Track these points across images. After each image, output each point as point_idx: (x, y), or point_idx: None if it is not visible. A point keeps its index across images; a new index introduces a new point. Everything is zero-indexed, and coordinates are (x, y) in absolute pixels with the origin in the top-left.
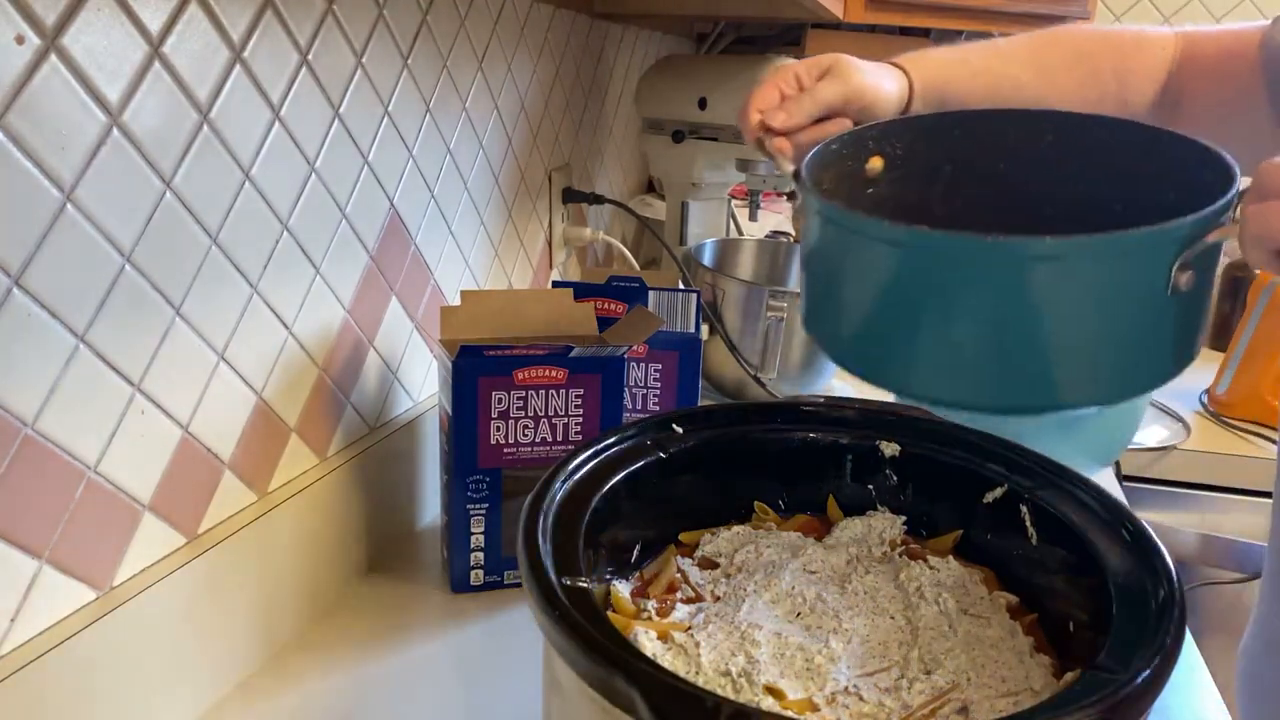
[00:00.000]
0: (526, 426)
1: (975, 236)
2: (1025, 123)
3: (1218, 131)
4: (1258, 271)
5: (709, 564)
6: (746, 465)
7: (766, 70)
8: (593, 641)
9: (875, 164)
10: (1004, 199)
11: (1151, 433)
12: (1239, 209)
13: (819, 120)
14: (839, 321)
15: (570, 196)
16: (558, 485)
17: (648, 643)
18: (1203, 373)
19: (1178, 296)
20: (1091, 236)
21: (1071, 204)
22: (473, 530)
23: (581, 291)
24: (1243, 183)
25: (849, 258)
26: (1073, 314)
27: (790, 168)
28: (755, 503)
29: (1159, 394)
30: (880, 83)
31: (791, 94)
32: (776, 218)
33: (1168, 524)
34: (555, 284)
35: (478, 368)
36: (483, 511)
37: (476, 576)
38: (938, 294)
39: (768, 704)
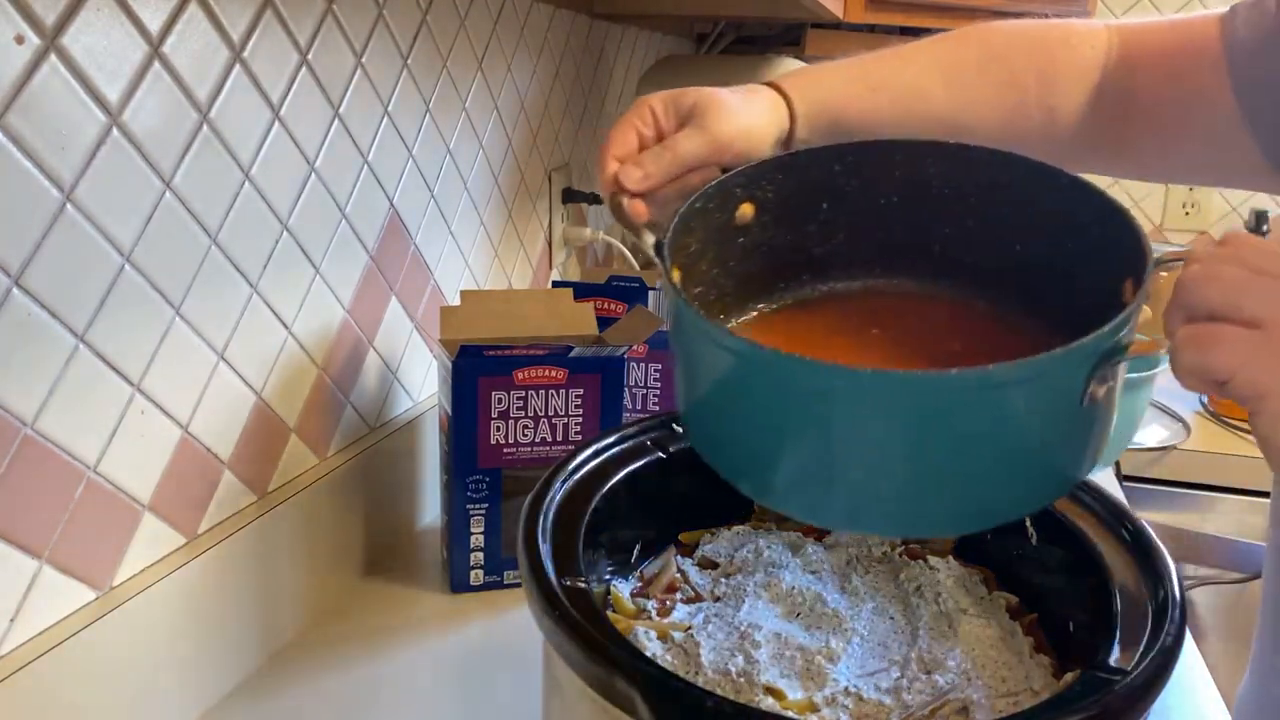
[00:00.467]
0: (526, 426)
1: (839, 368)
2: (910, 153)
3: (1176, 135)
4: None
5: (709, 564)
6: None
7: (764, 71)
8: (593, 642)
9: (745, 211)
10: (890, 233)
11: (1151, 433)
12: (1164, 323)
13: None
14: (700, 415)
15: (570, 196)
16: (558, 485)
17: (648, 643)
18: None
19: (1090, 406)
20: (988, 370)
21: (964, 242)
22: (472, 530)
23: (581, 291)
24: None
25: (701, 359)
26: (967, 444)
27: (650, 240)
28: (755, 503)
29: (1159, 394)
30: (752, 125)
31: (649, 135)
32: None
33: (1168, 524)
34: (555, 284)
35: (478, 368)
36: (482, 511)
37: (476, 576)
38: (789, 414)
39: (768, 704)
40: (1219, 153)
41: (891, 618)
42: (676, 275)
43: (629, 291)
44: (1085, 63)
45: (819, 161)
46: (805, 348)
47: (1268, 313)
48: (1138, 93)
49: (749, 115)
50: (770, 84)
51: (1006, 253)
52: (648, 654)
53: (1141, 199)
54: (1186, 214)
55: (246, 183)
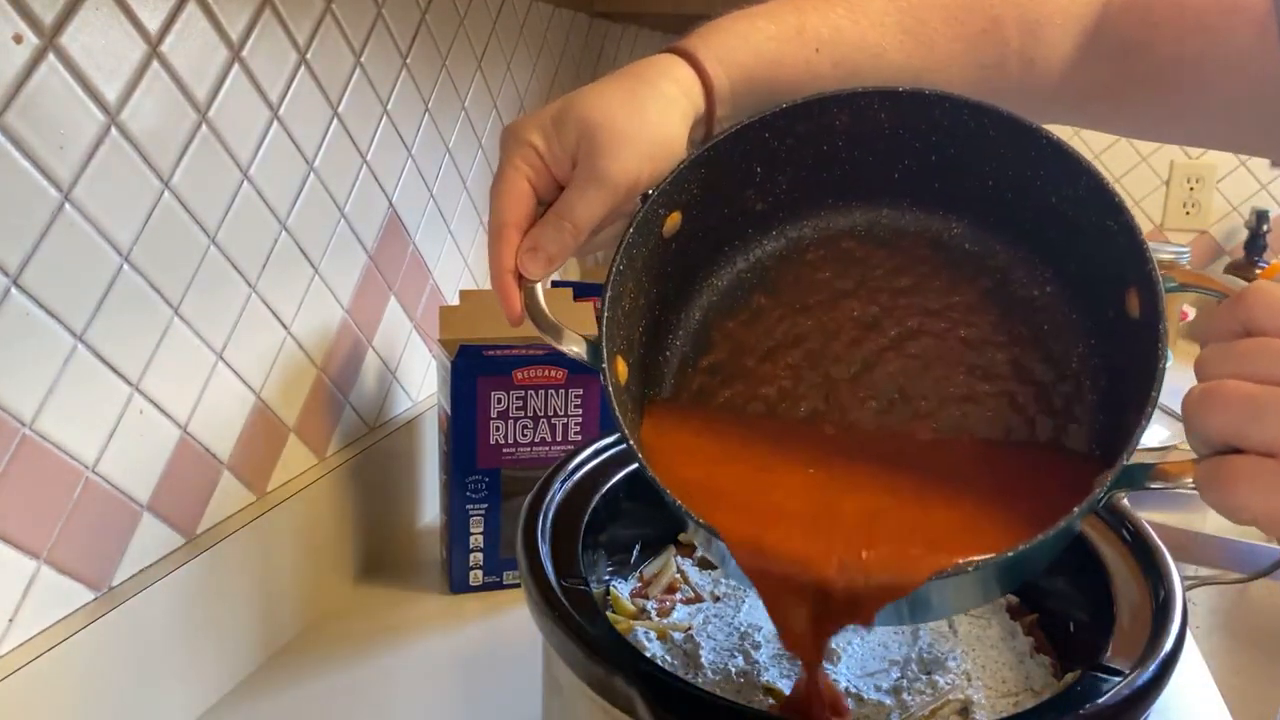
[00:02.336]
0: (526, 426)
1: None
2: (851, 105)
3: (1198, 98)
4: (1258, 273)
5: (709, 564)
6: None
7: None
8: (592, 642)
9: (672, 221)
10: (838, 170)
11: (1151, 433)
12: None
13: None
14: None
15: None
16: (557, 485)
17: (647, 643)
18: None
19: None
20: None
21: (928, 171)
22: (472, 530)
23: (581, 291)
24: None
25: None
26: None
27: (575, 347)
28: None
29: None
30: (657, 142)
31: (542, 183)
32: None
33: (1169, 524)
34: (554, 284)
35: (477, 367)
36: (482, 512)
37: (476, 577)
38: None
39: (768, 704)
40: (1249, 118)
41: None
42: (621, 370)
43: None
44: (1076, 6)
45: (745, 141)
46: (745, 471)
47: (1272, 441)
48: (1155, 47)
49: (650, 129)
50: (680, 50)
51: (978, 186)
52: (647, 654)
53: (1142, 199)
54: (1187, 213)
55: (245, 182)
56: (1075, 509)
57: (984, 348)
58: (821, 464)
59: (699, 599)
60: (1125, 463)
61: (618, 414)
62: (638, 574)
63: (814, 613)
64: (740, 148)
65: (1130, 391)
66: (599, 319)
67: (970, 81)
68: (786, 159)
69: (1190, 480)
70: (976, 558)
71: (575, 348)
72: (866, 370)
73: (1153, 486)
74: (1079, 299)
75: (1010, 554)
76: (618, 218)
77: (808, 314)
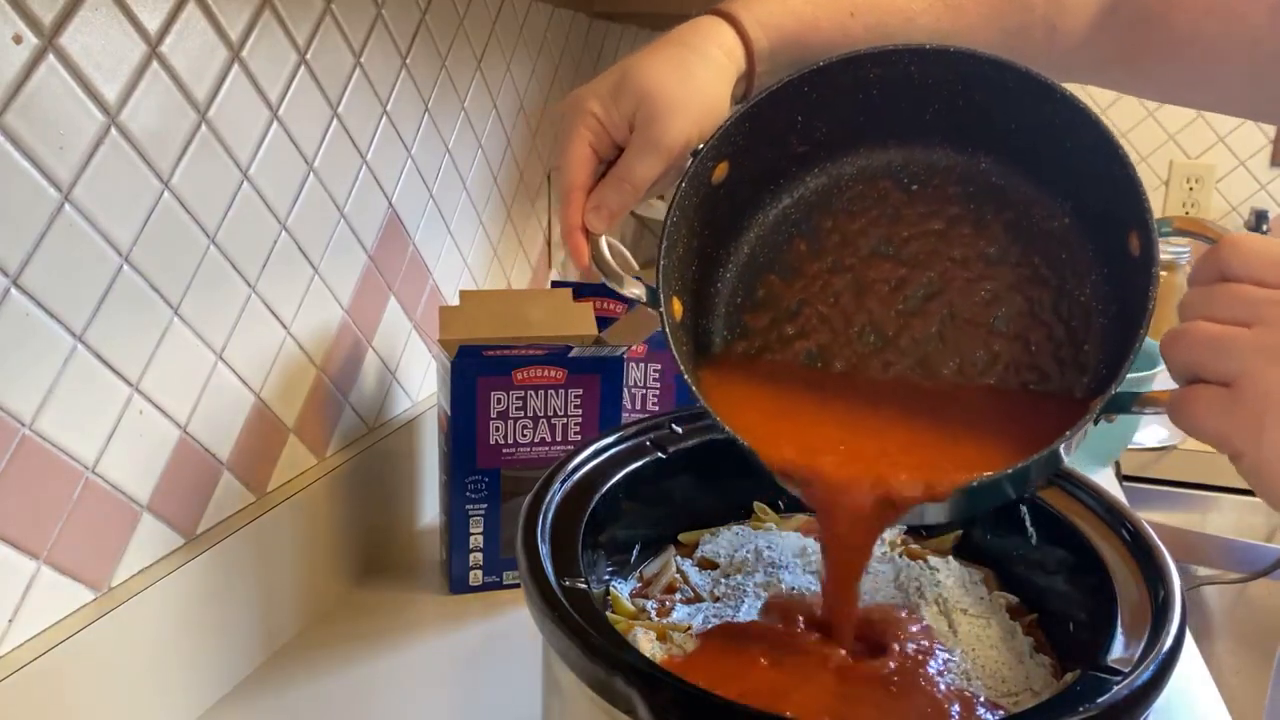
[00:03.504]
0: (525, 427)
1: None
2: (882, 61)
3: (1212, 69)
4: None
5: (708, 564)
6: (746, 465)
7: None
8: (592, 643)
9: (720, 171)
10: (873, 113)
11: (1151, 433)
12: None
13: None
14: None
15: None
16: (557, 486)
17: (647, 643)
18: None
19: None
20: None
21: (958, 113)
22: (471, 531)
23: (580, 291)
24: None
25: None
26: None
27: (635, 289)
28: (755, 503)
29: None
30: (706, 107)
31: (604, 145)
32: None
33: (1168, 524)
34: (554, 284)
35: (477, 368)
36: (481, 512)
37: (475, 577)
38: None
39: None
40: (1261, 90)
41: None
42: (677, 308)
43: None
44: None
45: (786, 96)
46: (791, 407)
47: (1234, 369)
48: (1173, 20)
49: (699, 95)
50: (723, 14)
51: (1002, 131)
52: (647, 654)
53: None
54: (1187, 212)
55: (245, 182)
56: (1075, 424)
57: (1007, 295)
58: (860, 405)
59: (699, 599)
60: (1115, 390)
61: (674, 349)
62: (638, 574)
63: (866, 522)
64: (782, 102)
65: (1125, 327)
66: (656, 265)
67: (994, 45)
68: (825, 108)
69: (1164, 406)
70: (987, 474)
71: (636, 290)
72: (902, 321)
73: (1134, 411)
74: (1091, 235)
75: (1012, 470)
76: (671, 172)
77: (845, 266)
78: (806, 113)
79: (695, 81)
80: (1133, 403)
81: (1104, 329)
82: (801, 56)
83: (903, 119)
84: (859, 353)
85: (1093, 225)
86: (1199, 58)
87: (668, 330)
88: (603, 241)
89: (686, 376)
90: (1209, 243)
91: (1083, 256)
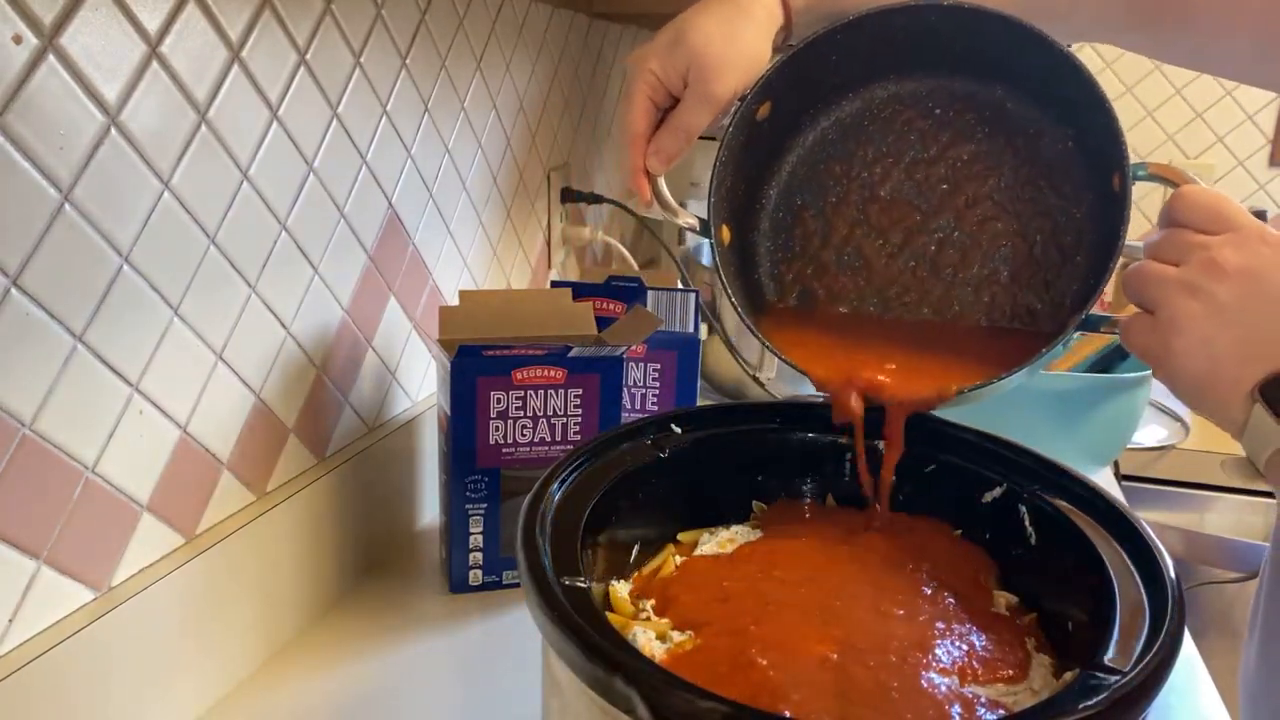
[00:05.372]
0: (525, 426)
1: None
2: (908, 12)
3: (1223, 39)
4: None
5: None
6: (745, 465)
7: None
8: (591, 642)
9: (764, 109)
10: (900, 52)
11: (1151, 432)
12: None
13: None
14: None
15: (569, 196)
16: (556, 485)
17: (646, 643)
18: None
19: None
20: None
21: (979, 52)
22: (471, 530)
23: (580, 291)
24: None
25: None
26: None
27: (688, 220)
28: (754, 502)
29: (1158, 393)
30: (751, 62)
31: (661, 101)
32: None
33: (1168, 524)
34: (554, 284)
35: (476, 367)
36: (481, 511)
37: (475, 577)
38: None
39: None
40: (1274, 62)
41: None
42: (725, 235)
43: (628, 291)
44: None
45: (821, 45)
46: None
47: (1159, 299)
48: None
49: (745, 52)
50: None
51: (1013, 69)
52: (647, 654)
53: (1140, 198)
54: None
55: (245, 183)
56: (1055, 338)
57: (1011, 234)
58: (877, 335)
59: None
60: (1089, 311)
61: (721, 272)
62: (636, 574)
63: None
64: (819, 50)
65: (1101, 256)
66: (708, 200)
67: (1018, 7)
68: (857, 50)
69: (1117, 331)
70: (979, 381)
71: (690, 220)
72: (919, 263)
73: (1102, 330)
74: (1088, 163)
75: (999, 379)
76: (720, 117)
77: (875, 197)
78: (841, 54)
79: (742, 40)
80: (1102, 324)
81: (1086, 262)
82: (834, 10)
83: (927, 57)
84: (884, 291)
85: (1089, 156)
86: (1211, 27)
87: (716, 255)
88: (661, 181)
89: (732, 299)
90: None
91: (1080, 179)
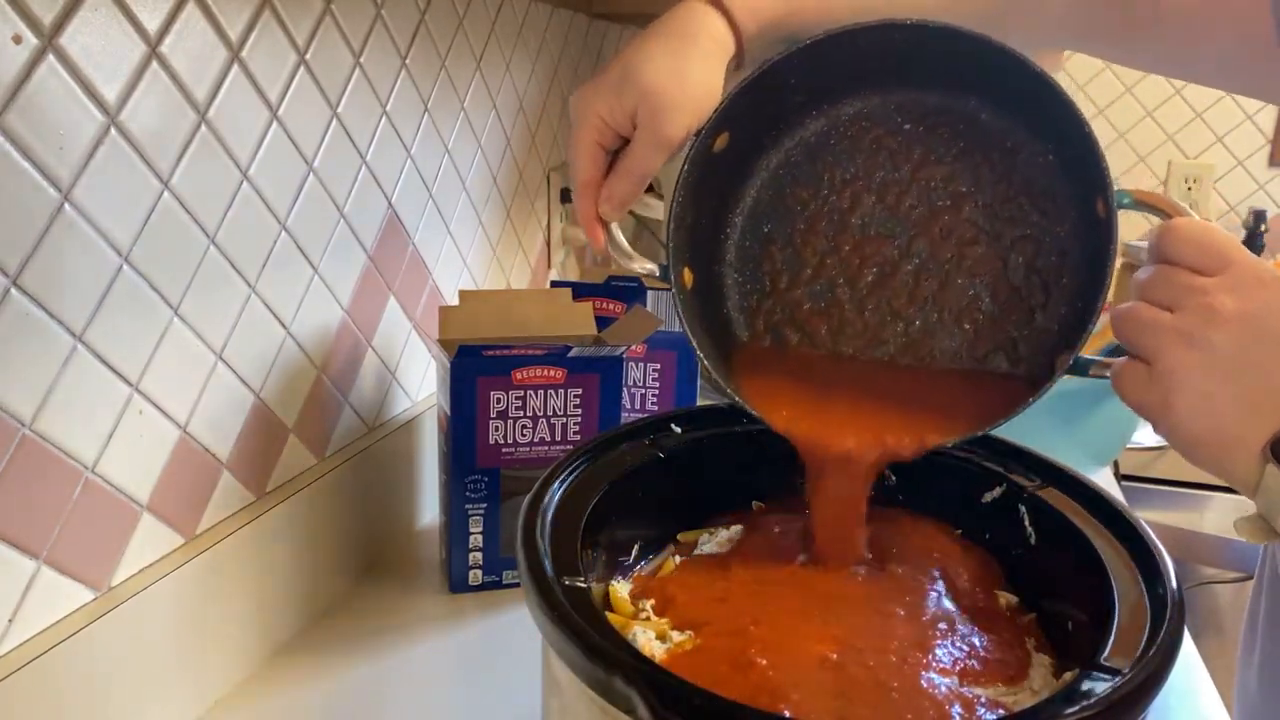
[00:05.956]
0: (525, 426)
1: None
2: (865, 35)
3: (1193, 47)
4: None
5: None
6: (745, 465)
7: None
8: (591, 642)
9: (721, 141)
10: (866, 65)
11: (1151, 432)
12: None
13: None
14: None
15: (569, 196)
16: (556, 485)
17: (646, 643)
18: None
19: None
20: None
21: (944, 69)
22: (471, 530)
23: (580, 291)
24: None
25: None
26: None
27: (646, 266)
28: (754, 502)
29: None
30: (702, 98)
31: (610, 143)
32: None
33: (1167, 523)
34: (554, 284)
35: (476, 367)
36: (481, 511)
37: (475, 576)
38: None
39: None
40: (1241, 69)
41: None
42: (688, 278)
43: (627, 291)
44: None
45: (781, 68)
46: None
47: (1153, 349)
48: None
49: (697, 89)
50: (712, 0)
51: (986, 83)
52: (646, 654)
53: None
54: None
55: (244, 183)
56: (1042, 386)
57: (991, 261)
58: (851, 382)
59: None
60: (1078, 354)
61: (682, 316)
62: (637, 574)
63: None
64: (775, 75)
65: (1088, 291)
66: (667, 242)
67: (981, 17)
68: (818, 71)
69: (1107, 374)
70: (961, 437)
71: (649, 266)
72: (892, 298)
73: (1091, 374)
74: (1069, 180)
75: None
76: (674, 156)
77: (845, 223)
78: (801, 77)
79: (693, 75)
80: (1090, 367)
81: (1072, 284)
82: (788, 33)
83: (895, 74)
84: (859, 331)
85: (1071, 173)
86: (1179, 34)
87: (678, 302)
88: (614, 227)
89: (696, 349)
90: (1164, 217)
91: (1062, 195)
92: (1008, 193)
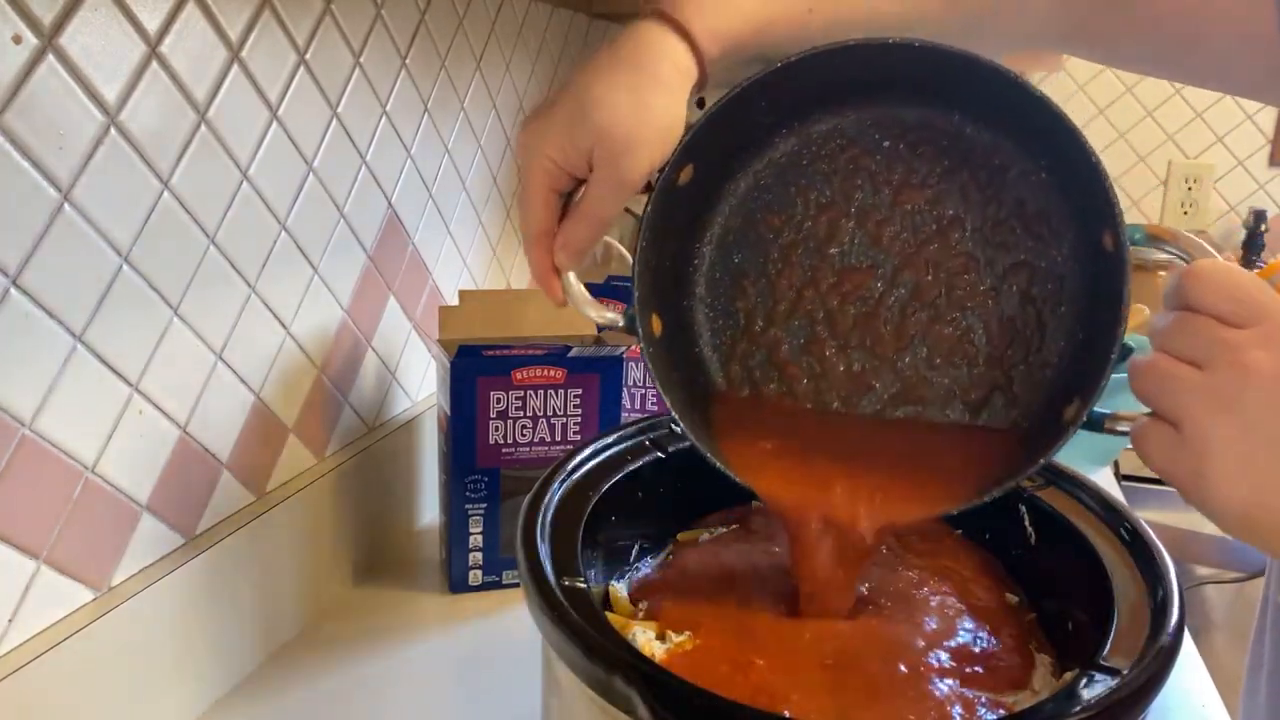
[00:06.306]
0: (525, 426)
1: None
2: (843, 54)
3: (1188, 45)
4: (1255, 271)
5: None
6: None
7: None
8: (591, 642)
9: (685, 174)
10: (836, 81)
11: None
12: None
13: None
14: None
15: (568, 197)
16: (556, 485)
17: (646, 643)
18: None
19: None
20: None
21: (922, 84)
22: (471, 530)
23: None
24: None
25: None
26: None
27: (609, 315)
28: (753, 502)
29: None
30: (664, 133)
31: (563, 188)
32: None
33: (1168, 524)
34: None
35: (476, 368)
36: (481, 511)
37: (475, 577)
38: None
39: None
40: (1239, 70)
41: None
42: (656, 325)
43: (628, 292)
44: None
45: (748, 94)
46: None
47: (1181, 411)
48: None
49: (658, 124)
50: (671, 21)
51: (971, 97)
52: (647, 654)
53: (1140, 198)
54: (1185, 213)
55: (244, 182)
56: (1054, 446)
57: (986, 294)
58: (839, 444)
59: None
60: (1094, 407)
61: (655, 374)
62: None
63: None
64: (743, 101)
65: (1091, 321)
66: (632, 290)
67: (962, 29)
68: (788, 90)
69: (1128, 430)
70: (961, 506)
71: (612, 315)
72: (881, 339)
73: (1105, 430)
74: (1067, 201)
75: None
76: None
77: (821, 253)
78: (771, 98)
79: (653, 111)
80: (1105, 421)
81: (1071, 314)
82: (754, 53)
83: (871, 89)
84: (844, 382)
85: (1069, 194)
86: (1172, 38)
87: (646, 354)
88: (572, 276)
89: (667, 401)
90: (1183, 256)
91: (1058, 216)
92: (998, 215)
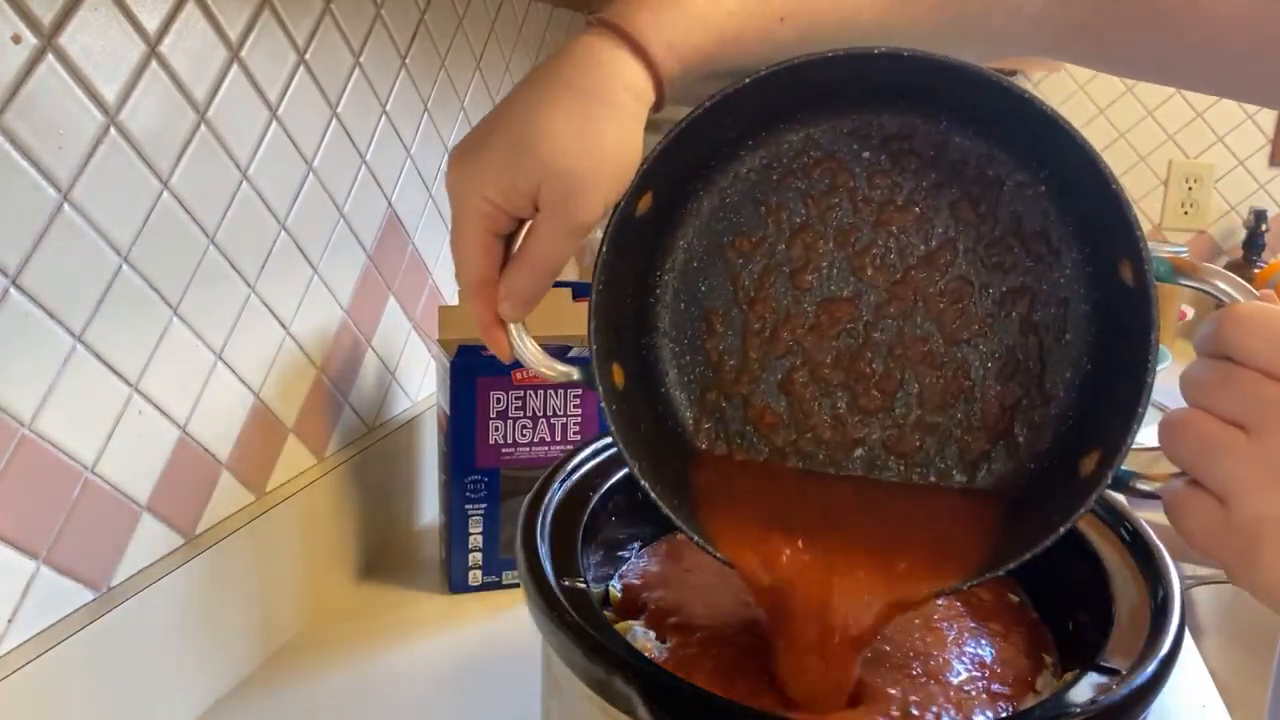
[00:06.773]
0: (525, 426)
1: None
2: (820, 67)
3: (1197, 47)
4: (1255, 272)
5: None
6: None
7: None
8: (591, 642)
9: (644, 204)
10: (810, 92)
11: (1151, 432)
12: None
13: None
14: None
15: (509, 237)
16: (556, 485)
17: (646, 643)
18: None
19: None
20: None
21: (908, 90)
22: (471, 530)
23: (580, 291)
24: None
25: None
26: None
27: (570, 371)
28: None
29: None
30: (620, 167)
31: (504, 231)
32: None
33: (1168, 523)
34: (553, 284)
35: (476, 367)
36: (481, 511)
37: (475, 577)
38: None
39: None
40: (1251, 72)
41: None
42: (618, 376)
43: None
44: None
45: (718, 110)
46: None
47: (1228, 484)
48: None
49: (612, 159)
50: (626, 36)
51: (958, 103)
52: (647, 654)
53: (1140, 198)
54: (1185, 213)
55: (244, 182)
56: (1076, 509)
57: (980, 324)
58: (827, 513)
59: None
60: (1121, 465)
61: (617, 431)
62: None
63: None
64: (708, 120)
65: (1117, 370)
66: (590, 341)
67: (948, 36)
68: (757, 104)
69: (1159, 493)
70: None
71: (564, 368)
72: (866, 388)
73: (1130, 490)
74: (1071, 218)
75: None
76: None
77: (800, 288)
78: (738, 113)
79: (607, 143)
80: (1132, 477)
81: (1077, 341)
82: (722, 70)
83: (848, 99)
84: (829, 440)
85: (1075, 211)
86: (1187, 36)
87: (608, 410)
88: (521, 329)
89: (632, 467)
90: (1214, 296)
91: (1059, 232)
92: (993, 233)
